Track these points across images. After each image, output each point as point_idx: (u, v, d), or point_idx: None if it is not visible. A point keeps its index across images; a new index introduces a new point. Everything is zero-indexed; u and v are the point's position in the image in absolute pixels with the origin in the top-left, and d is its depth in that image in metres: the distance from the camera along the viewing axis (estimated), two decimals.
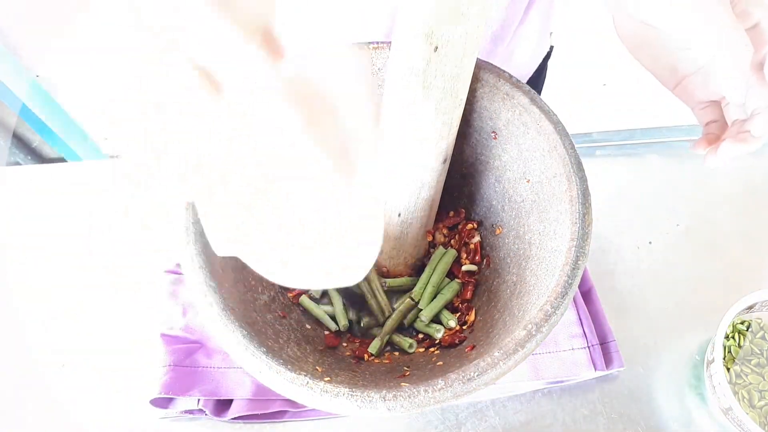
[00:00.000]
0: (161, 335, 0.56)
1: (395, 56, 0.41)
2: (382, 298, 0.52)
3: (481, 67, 0.47)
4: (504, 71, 0.47)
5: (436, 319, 0.53)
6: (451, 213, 0.58)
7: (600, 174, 0.68)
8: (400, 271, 0.56)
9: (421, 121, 0.43)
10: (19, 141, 1.20)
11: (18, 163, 1.21)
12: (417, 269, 0.57)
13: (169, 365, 0.54)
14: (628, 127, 0.70)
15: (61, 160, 1.26)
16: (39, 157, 1.26)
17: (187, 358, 0.55)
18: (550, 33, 0.70)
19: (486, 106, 0.49)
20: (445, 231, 0.57)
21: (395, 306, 0.53)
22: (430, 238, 0.55)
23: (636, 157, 0.70)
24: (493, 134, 0.50)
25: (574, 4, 1.21)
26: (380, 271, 0.55)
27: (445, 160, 0.47)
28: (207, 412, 0.53)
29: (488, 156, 0.52)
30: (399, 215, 0.50)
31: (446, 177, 0.57)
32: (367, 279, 0.53)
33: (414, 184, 0.48)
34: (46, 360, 0.58)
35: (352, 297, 0.54)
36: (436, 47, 0.38)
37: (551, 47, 0.73)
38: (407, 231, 0.52)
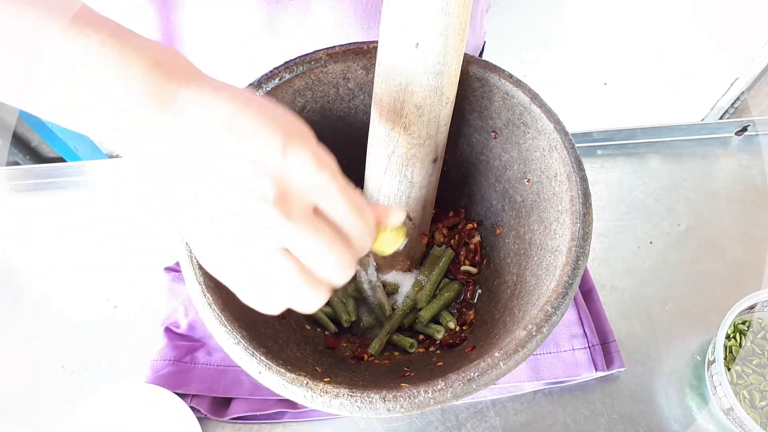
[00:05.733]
0: (165, 329, 0.56)
1: (380, 53, 0.41)
2: (383, 296, 0.52)
3: (481, 66, 0.47)
4: (504, 70, 0.47)
5: (435, 320, 0.53)
6: (451, 213, 0.58)
7: (601, 173, 0.68)
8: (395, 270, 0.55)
9: (407, 118, 0.43)
10: (18, 140, 1.20)
11: (17, 163, 1.21)
12: (417, 269, 0.56)
13: (170, 360, 0.54)
14: (628, 127, 0.69)
15: (61, 159, 1.26)
16: (38, 157, 1.25)
17: (187, 355, 0.55)
18: (484, 31, 0.70)
19: (486, 105, 0.48)
20: (445, 231, 0.57)
21: (395, 306, 0.53)
22: (425, 240, 0.55)
23: (637, 156, 0.69)
24: (493, 134, 0.50)
25: (574, 4, 1.21)
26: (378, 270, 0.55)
27: (435, 160, 0.47)
28: (202, 411, 0.53)
29: (488, 156, 0.52)
30: None
31: (446, 177, 0.56)
32: (367, 278, 0.53)
33: (404, 183, 0.47)
34: (47, 360, 0.58)
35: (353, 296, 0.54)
36: (417, 43, 0.38)
37: (484, 42, 0.72)
38: None
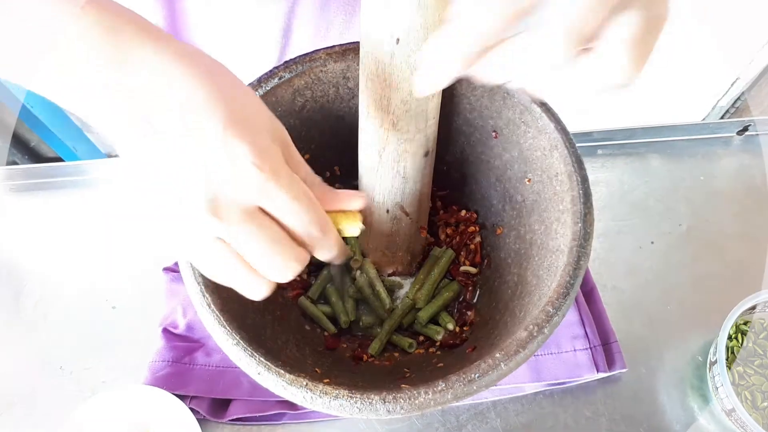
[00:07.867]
0: (163, 330, 0.56)
1: (363, 52, 0.41)
2: (383, 293, 0.52)
3: None
4: None
5: (435, 321, 0.52)
6: (464, 212, 0.57)
7: (601, 173, 0.68)
8: (396, 269, 0.55)
9: (394, 114, 0.43)
10: (18, 140, 1.20)
11: (15, 163, 1.21)
12: (418, 268, 0.56)
13: (168, 361, 0.54)
14: (628, 127, 0.69)
15: (59, 159, 1.25)
16: (37, 157, 1.25)
17: (186, 356, 0.55)
18: None
19: (487, 105, 0.48)
20: (449, 231, 0.57)
21: (394, 306, 0.53)
22: (424, 234, 0.54)
23: (637, 156, 0.69)
24: (493, 133, 0.49)
25: None
26: (378, 269, 0.55)
27: (426, 153, 0.46)
28: (201, 413, 0.52)
29: (489, 155, 0.51)
30: (387, 211, 0.50)
31: (447, 177, 0.56)
32: (367, 275, 0.52)
33: (397, 179, 0.47)
34: (46, 360, 0.57)
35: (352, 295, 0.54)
36: (398, 39, 0.38)
37: None
38: (398, 227, 0.51)
